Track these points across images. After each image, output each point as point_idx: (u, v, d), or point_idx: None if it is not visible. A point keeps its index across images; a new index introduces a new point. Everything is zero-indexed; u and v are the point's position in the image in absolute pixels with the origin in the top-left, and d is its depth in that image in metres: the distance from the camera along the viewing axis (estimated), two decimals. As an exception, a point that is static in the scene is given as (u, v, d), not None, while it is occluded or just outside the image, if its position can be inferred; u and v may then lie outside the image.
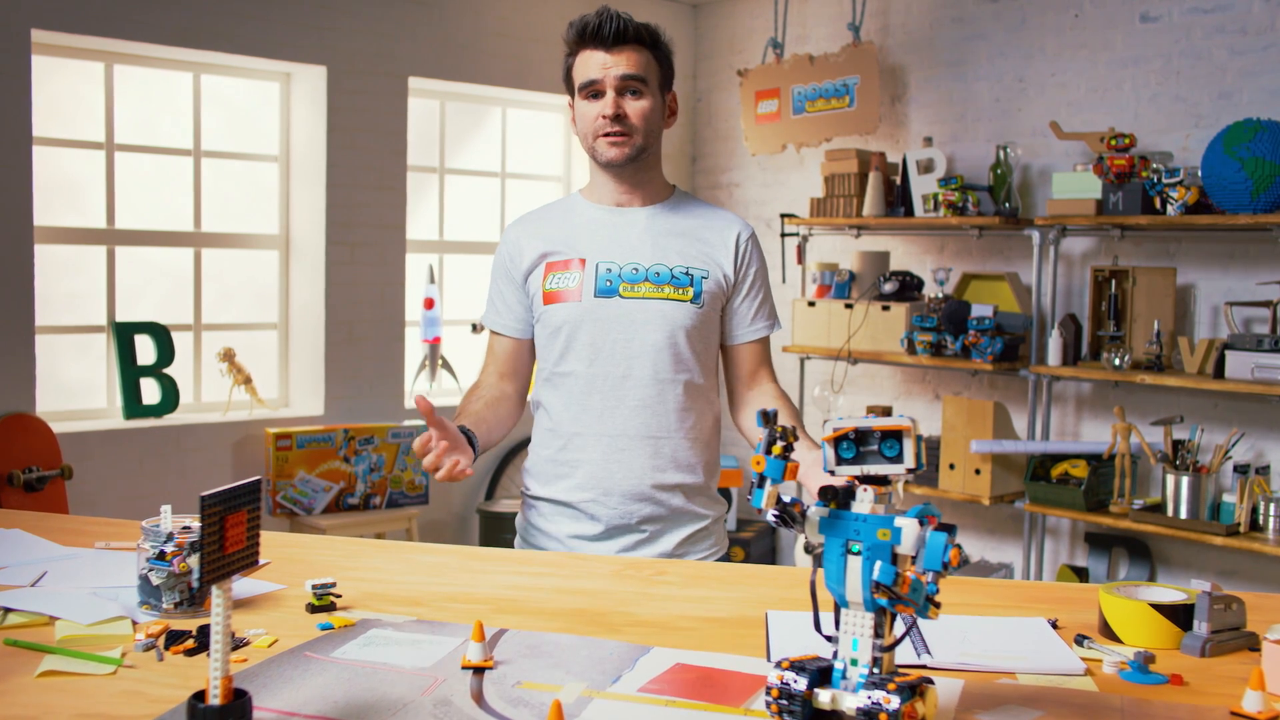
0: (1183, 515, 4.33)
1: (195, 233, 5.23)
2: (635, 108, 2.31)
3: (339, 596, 1.71)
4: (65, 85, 4.88)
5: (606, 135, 2.31)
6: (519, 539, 2.46)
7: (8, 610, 1.62)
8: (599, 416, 2.32)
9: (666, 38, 2.41)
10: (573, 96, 2.38)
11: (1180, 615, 1.59)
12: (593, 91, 2.32)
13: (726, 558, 2.46)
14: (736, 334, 2.43)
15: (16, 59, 4.47)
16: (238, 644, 1.53)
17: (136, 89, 5.06)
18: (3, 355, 4.49)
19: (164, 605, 1.64)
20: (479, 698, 1.36)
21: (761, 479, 1.29)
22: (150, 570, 1.64)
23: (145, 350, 4.99)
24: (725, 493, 5.77)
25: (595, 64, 2.31)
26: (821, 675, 1.26)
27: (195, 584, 1.64)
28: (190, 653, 1.49)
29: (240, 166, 5.39)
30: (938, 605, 1.22)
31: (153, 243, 5.13)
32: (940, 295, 5.10)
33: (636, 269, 2.32)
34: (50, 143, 4.79)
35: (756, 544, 5.82)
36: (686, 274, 2.33)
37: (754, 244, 2.44)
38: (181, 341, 5.13)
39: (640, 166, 2.37)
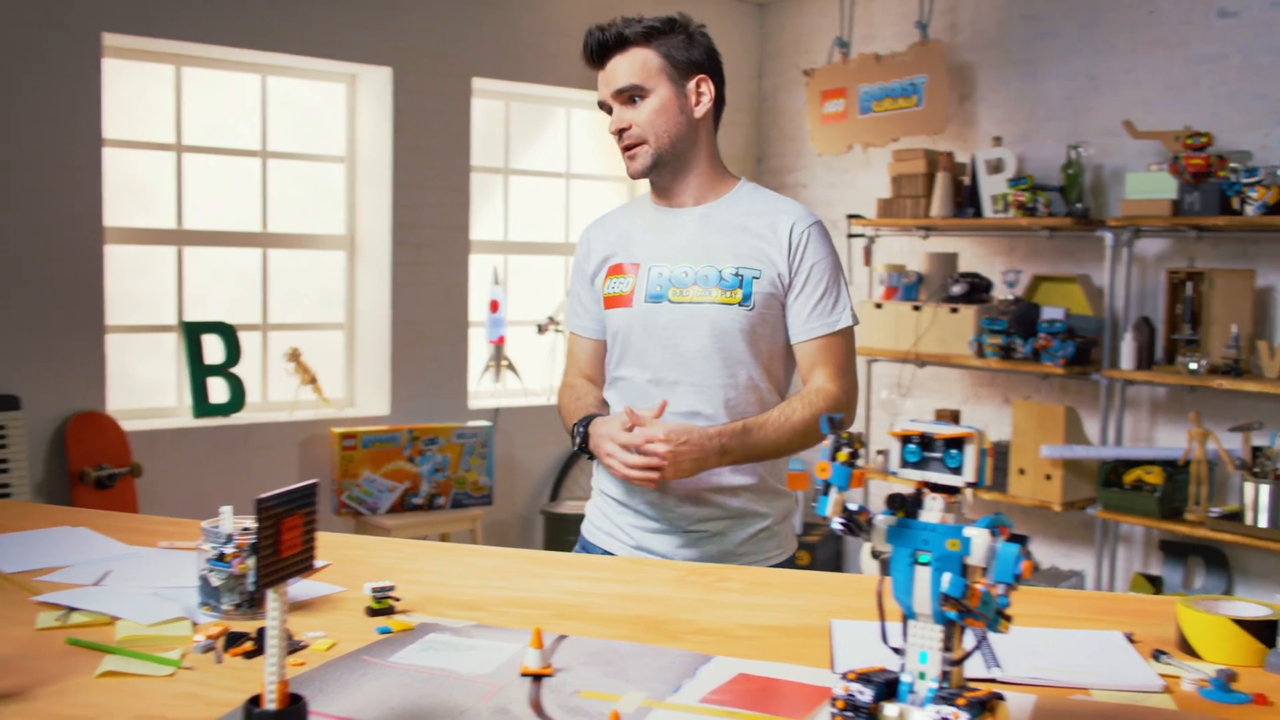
0: (1262, 524, 4.22)
1: (262, 233, 5.28)
2: (636, 114, 2.28)
3: (398, 600, 1.70)
4: (135, 88, 4.94)
5: (622, 153, 2.32)
6: (584, 525, 2.45)
7: (71, 609, 1.62)
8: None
9: (681, 23, 2.34)
10: None
11: (1264, 631, 1.54)
12: (607, 110, 2.33)
13: (792, 559, 2.42)
14: (793, 333, 2.31)
15: (88, 62, 4.53)
16: (296, 647, 1.52)
17: (205, 91, 5.11)
18: (74, 354, 4.55)
19: (223, 607, 1.64)
20: (537, 706, 1.34)
21: (827, 486, 1.25)
22: (210, 571, 1.64)
23: (213, 349, 5.04)
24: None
25: (600, 84, 2.32)
26: (888, 688, 1.23)
27: (252, 587, 1.63)
28: (249, 655, 1.48)
29: (306, 167, 5.42)
30: (1008, 619, 1.18)
31: (220, 243, 5.18)
32: (1010, 297, 5.02)
33: (686, 273, 2.28)
34: (121, 144, 4.85)
35: (822, 548, 5.76)
36: (736, 275, 2.26)
37: (812, 236, 2.29)
38: (249, 341, 5.18)
39: (675, 167, 2.33)
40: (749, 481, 2.29)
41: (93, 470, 4.49)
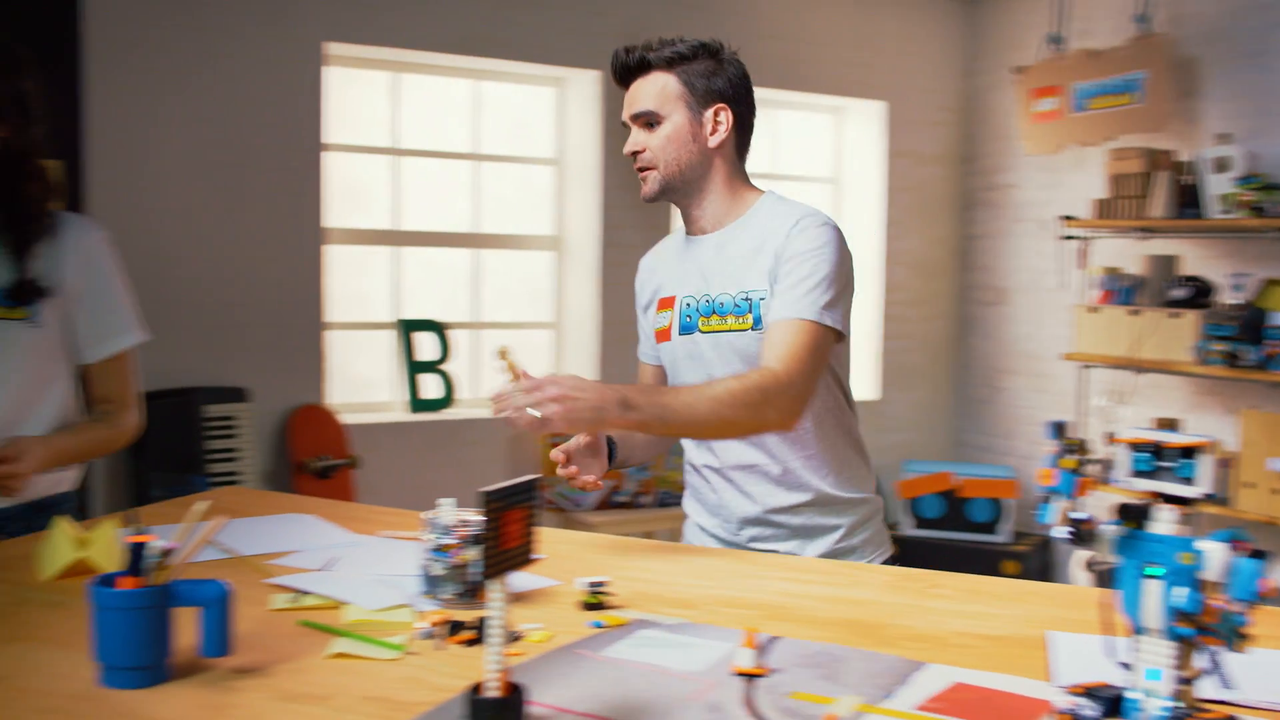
0: None
1: (474, 234, 5.42)
2: (650, 139, 2.26)
3: (612, 595, 1.72)
4: (354, 94, 5.13)
5: (637, 172, 2.31)
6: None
7: (302, 592, 1.70)
8: (700, 451, 2.32)
9: (710, 49, 2.29)
10: None
11: None
12: (628, 129, 2.33)
13: (893, 560, 2.35)
14: (765, 322, 2.19)
15: (310, 71, 4.74)
16: (513, 638, 1.55)
17: (420, 96, 5.28)
18: (296, 350, 4.77)
19: (444, 595, 1.69)
20: (750, 705, 1.34)
21: (1050, 493, 1.22)
22: (431, 561, 1.69)
23: (426, 347, 5.20)
24: (998, 503, 5.59)
25: (624, 104, 2.33)
26: (1114, 704, 1.19)
27: (474, 577, 1.68)
28: (469, 644, 1.52)
29: (516, 170, 5.55)
30: (1247, 638, 1.13)
31: (434, 243, 5.34)
32: (1237, 302, 4.79)
33: (708, 300, 2.26)
34: (340, 149, 5.05)
35: (1032, 558, 5.61)
36: (746, 299, 2.20)
37: (808, 227, 2.18)
38: (460, 339, 5.33)
39: (687, 193, 2.30)
40: (805, 498, 2.24)
41: (314, 460, 4.69)
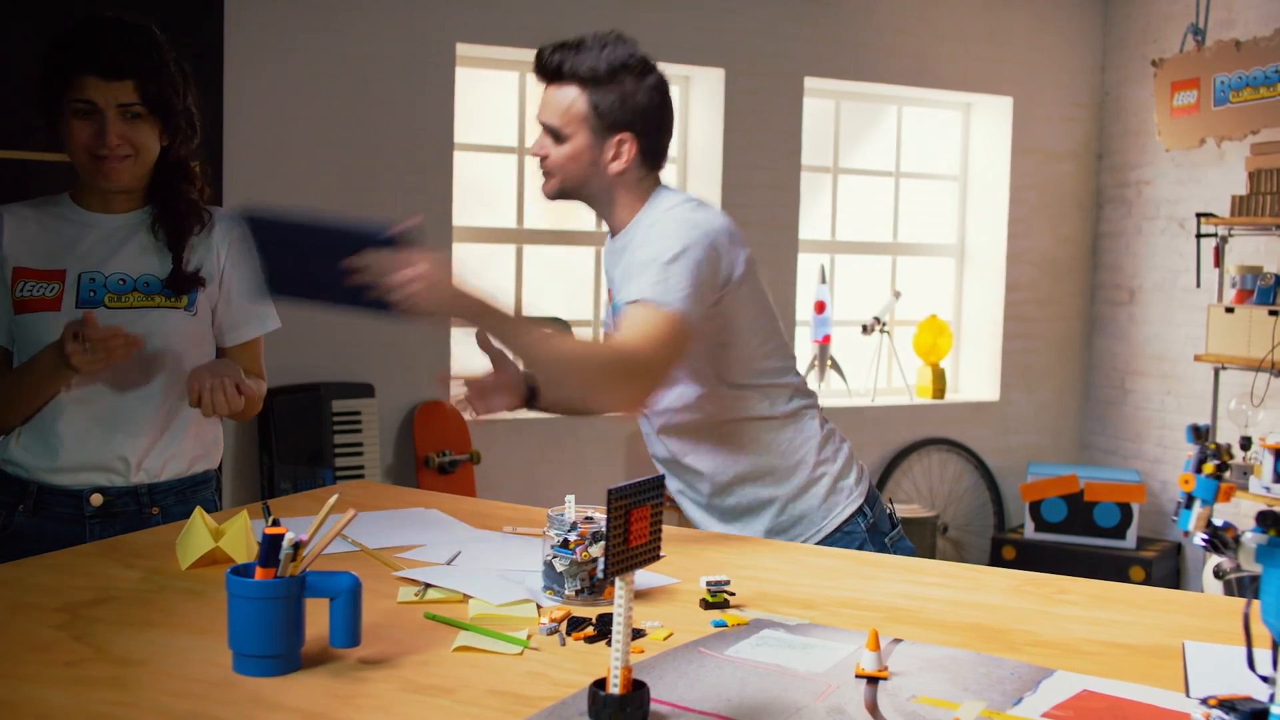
0: None
1: (593, 232, 5.45)
2: (553, 150, 2.23)
3: (733, 594, 1.72)
4: (483, 94, 5.20)
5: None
6: None
7: (428, 585, 1.73)
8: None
9: (629, 71, 2.19)
10: None
11: None
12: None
13: (857, 513, 2.33)
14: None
15: (443, 71, 4.82)
16: (635, 635, 1.56)
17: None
18: (422, 346, 4.85)
19: (566, 591, 1.70)
20: (873, 708, 1.33)
21: (1190, 499, 1.19)
22: (554, 557, 1.71)
23: (549, 344, 5.25)
24: (1125, 507, 5.46)
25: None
26: (1254, 718, 1.15)
27: (598, 573, 1.69)
28: (590, 640, 1.53)
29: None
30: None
31: (556, 242, 5.39)
32: (1383, 302, 4.61)
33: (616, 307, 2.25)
34: (469, 148, 5.12)
35: (1159, 565, 5.46)
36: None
37: (673, 218, 2.20)
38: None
39: (590, 203, 2.31)
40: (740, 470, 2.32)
41: (436, 456, 4.77)
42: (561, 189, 2.28)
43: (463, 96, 5.00)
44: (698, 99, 5.47)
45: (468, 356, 5.05)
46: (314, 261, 1.89)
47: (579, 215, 5.42)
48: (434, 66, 4.80)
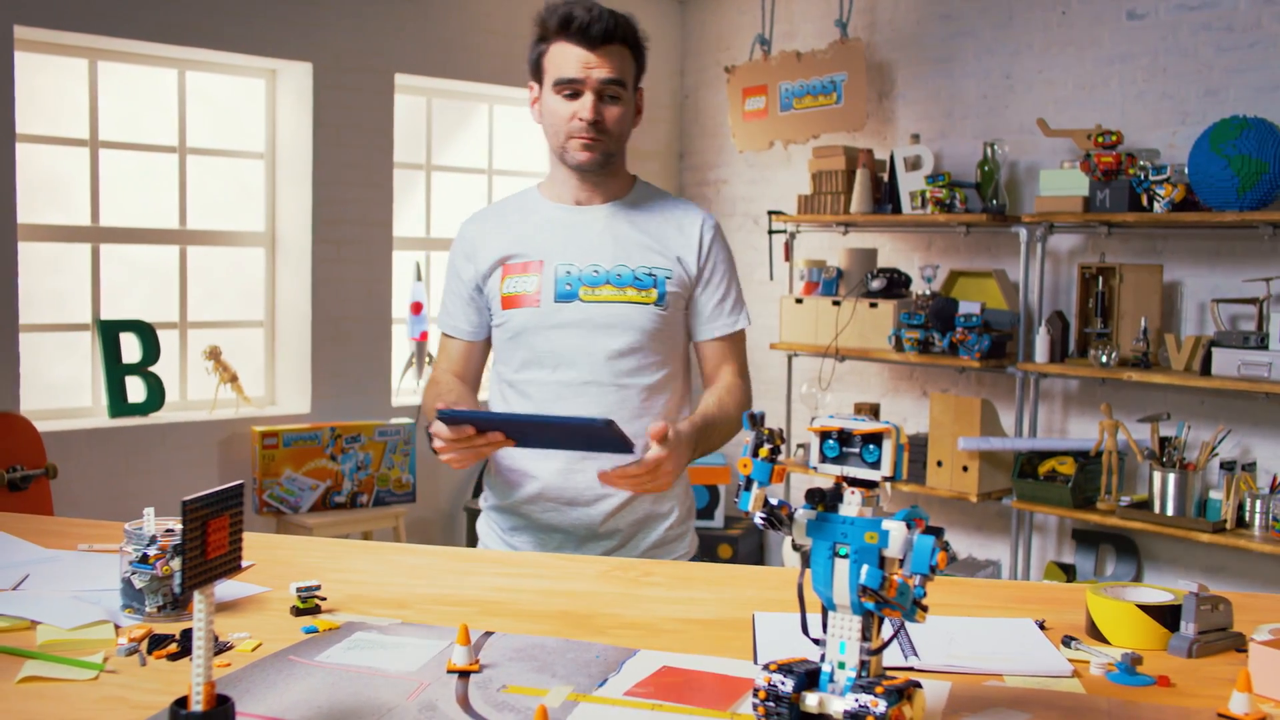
0: (1169, 512, 4.34)
1: (180, 230, 5.21)
2: (613, 113, 2.26)
3: (324, 599, 1.70)
4: (49, 81, 4.85)
5: (580, 138, 2.26)
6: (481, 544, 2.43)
7: (-11, 614, 1.61)
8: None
9: (643, 30, 2.35)
10: (540, 86, 2.32)
11: (1167, 616, 1.59)
12: (571, 91, 2.25)
13: (698, 558, 2.43)
14: (700, 330, 2.38)
15: (0, 56, 4.45)
16: (221, 648, 1.51)
17: (120, 85, 5.04)
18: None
19: (147, 609, 1.63)
20: (465, 702, 1.35)
21: (749, 481, 1.28)
22: (133, 574, 1.63)
23: (130, 348, 4.97)
24: (713, 490, 5.78)
25: (575, 61, 2.23)
26: (809, 678, 1.26)
27: (178, 589, 1.63)
28: (174, 657, 1.47)
29: (225, 164, 5.36)
30: (925, 609, 1.22)
31: (138, 240, 5.10)
32: (928, 292, 5.10)
33: (597, 271, 2.27)
34: (33, 140, 4.76)
35: (744, 542, 5.81)
36: (650, 274, 2.28)
37: (718, 236, 2.39)
38: (167, 340, 5.11)
39: (611, 166, 2.33)
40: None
41: (5, 472, 4.41)
42: (608, 154, 2.29)
43: (24, 83, 4.64)
44: (285, 94, 5.33)
45: (37, 361, 4.71)
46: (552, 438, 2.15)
47: (162, 211, 5.16)
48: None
